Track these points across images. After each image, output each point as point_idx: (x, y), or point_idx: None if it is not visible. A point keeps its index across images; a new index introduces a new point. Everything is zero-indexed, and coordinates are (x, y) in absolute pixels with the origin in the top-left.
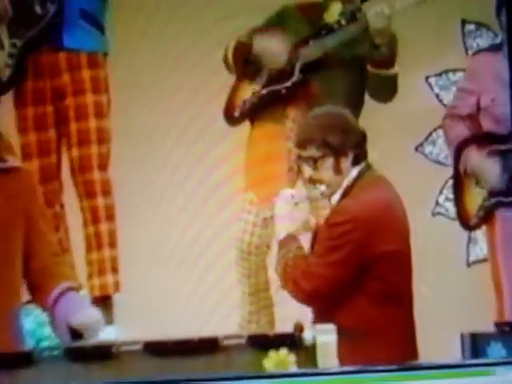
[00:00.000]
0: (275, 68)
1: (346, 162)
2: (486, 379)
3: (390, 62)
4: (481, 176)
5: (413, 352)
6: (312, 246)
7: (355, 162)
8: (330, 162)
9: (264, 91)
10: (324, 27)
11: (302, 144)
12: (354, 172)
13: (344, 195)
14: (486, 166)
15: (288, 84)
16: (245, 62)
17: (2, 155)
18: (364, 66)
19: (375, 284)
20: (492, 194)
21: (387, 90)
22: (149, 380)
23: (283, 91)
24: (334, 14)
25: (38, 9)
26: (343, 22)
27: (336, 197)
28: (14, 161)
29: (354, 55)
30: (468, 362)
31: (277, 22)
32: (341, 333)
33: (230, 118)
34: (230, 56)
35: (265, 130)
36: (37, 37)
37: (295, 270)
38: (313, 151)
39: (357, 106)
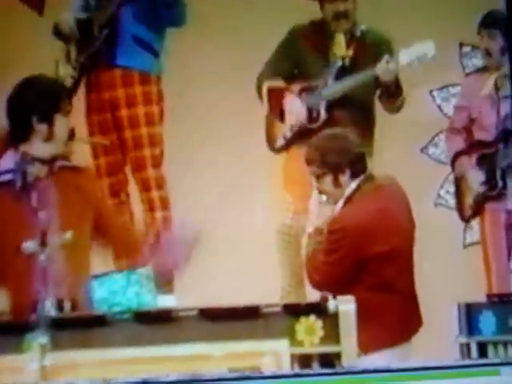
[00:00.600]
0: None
1: (343, 177)
2: (490, 379)
3: (397, 95)
4: (468, 182)
5: (410, 331)
6: None
7: (354, 176)
8: (329, 177)
9: (299, 127)
10: (337, 65)
11: (307, 162)
12: (354, 184)
13: (346, 203)
14: (471, 174)
15: (319, 123)
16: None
17: (68, 156)
18: (375, 93)
19: (371, 278)
20: (481, 190)
21: (396, 109)
22: (150, 380)
23: (315, 127)
24: (340, 44)
25: (96, 31)
26: (350, 52)
27: (339, 205)
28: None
29: (368, 92)
30: (473, 362)
31: (287, 55)
32: None
33: (273, 148)
34: (264, 100)
35: (300, 153)
36: (94, 54)
37: (310, 262)
38: (315, 169)
39: (370, 126)
